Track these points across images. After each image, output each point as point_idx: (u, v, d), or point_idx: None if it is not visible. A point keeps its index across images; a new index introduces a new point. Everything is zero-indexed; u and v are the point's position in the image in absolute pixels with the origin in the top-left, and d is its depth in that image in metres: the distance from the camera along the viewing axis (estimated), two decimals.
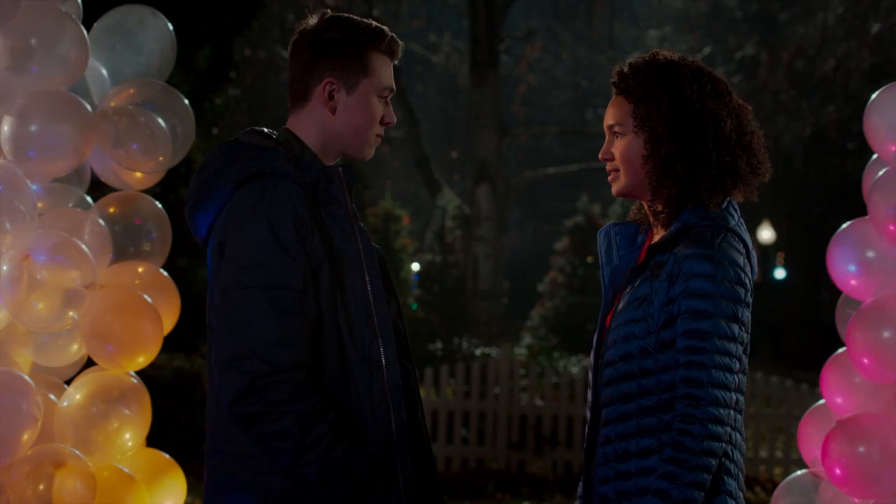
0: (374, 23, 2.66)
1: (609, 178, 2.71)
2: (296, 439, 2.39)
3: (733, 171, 2.60)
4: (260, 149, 2.57)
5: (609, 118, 2.69)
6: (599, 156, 2.71)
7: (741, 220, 2.64)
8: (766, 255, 27.19)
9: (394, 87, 2.69)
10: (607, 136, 2.70)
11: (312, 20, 2.65)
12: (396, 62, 2.72)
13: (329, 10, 2.68)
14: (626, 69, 2.68)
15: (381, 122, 2.69)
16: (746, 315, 2.54)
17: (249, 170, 2.52)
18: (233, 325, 2.43)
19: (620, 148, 2.65)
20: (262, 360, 2.39)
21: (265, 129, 2.67)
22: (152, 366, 9.37)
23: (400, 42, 2.70)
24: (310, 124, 2.64)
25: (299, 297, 2.44)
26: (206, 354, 2.67)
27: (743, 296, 2.51)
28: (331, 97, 2.61)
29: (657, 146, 2.59)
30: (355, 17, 2.67)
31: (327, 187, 2.56)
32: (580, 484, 2.75)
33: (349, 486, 2.44)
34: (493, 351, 12.45)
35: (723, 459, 2.50)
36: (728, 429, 2.47)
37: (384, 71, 2.66)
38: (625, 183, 2.67)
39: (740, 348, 2.52)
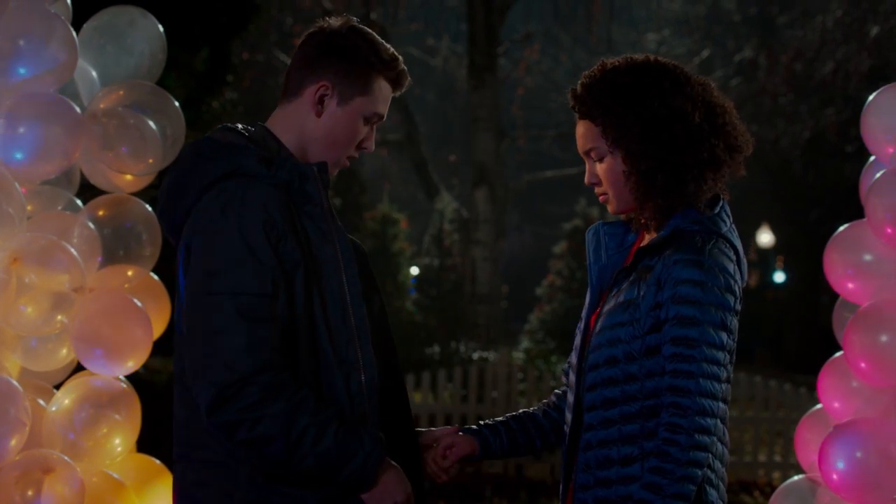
0: (391, 49, 2.63)
1: (601, 200, 2.67)
2: (280, 440, 2.34)
3: (713, 161, 2.53)
4: (231, 147, 2.51)
5: (582, 144, 2.63)
6: (585, 181, 2.66)
7: (733, 226, 2.59)
8: (766, 258, 27.16)
9: (384, 116, 2.65)
10: (587, 162, 2.65)
11: (335, 22, 2.61)
12: (398, 94, 2.68)
13: (356, 19, 2.65)
14: (579, 90, 2.61)
15: (359, 146, 2.64)
16: (734, 323, 2.49)
17: (220, 170, 2.46)
18: (200, 332, 2.38)
19: (602, 171, 2.60)
20: (225, 369, 2.34)
21: (239, 126, 2.61)
22: (148, 369, 9.38)
23: (408, 77, 2.67)
24: (292, 122, 2.59)
25: (269, 302, 2.39)
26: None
27: (732, 303, 2.46)
28: (320, 101, 2.57)
29: (635, 161, 2.53)
30: (376, 36, 2.63)
31: (302, 186, 2.49)
32: (560, 487, 2.72)
33: (354, 475, 2.38)
34: (491, 355, 12.42)
35: (704, 469, 2.46)
36: (714, 439, 2.43)
37: (382, 97, 2.62)
38: (617, 203, 2.62)
39: (728, 357, 2.48)
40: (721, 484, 2.54)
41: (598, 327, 2.58)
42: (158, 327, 3.54)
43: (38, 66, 3.15)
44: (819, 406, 3.38)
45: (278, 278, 2.41)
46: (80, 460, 3.26)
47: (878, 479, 3.02)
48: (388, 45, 2.64)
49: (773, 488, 8.38)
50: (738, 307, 2.51)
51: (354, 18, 2.65)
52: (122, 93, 3.37)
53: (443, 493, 8.64)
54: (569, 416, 2.66)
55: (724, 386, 2.46)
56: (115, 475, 3.37)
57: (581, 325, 2.69)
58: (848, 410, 3.22)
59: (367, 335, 2.53)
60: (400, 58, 2.64)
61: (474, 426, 2.80)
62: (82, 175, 3.53)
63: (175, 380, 2.53)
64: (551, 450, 2.97)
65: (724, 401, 2.48)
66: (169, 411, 2.61)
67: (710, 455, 2.46)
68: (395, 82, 2.64)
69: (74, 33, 3.23)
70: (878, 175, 3.16)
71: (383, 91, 2.62)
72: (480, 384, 10.05)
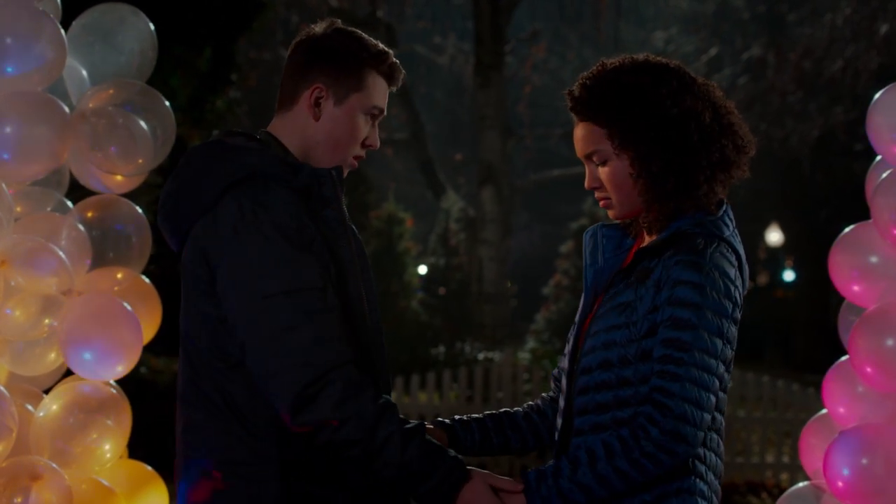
0: (381, 44, 2.59)
1: (602, 204, 2.56)
2: (362, 445, 2.30)
3: (724, 162, 2.45)
4: (245, 150, 2.46)
5: (582, 147, 2.52)
6: (586, 185, 2.55)
7: (736, 230, 2.49)
8: (775, 257, 27.08)
9: (384, 109, 2.60)
10: (587, 166, 2.54)
11: (319, 27, 2.58)
12: (395, 89, 2.63)
13: (339, 21, 2.60)
14: (578, 92, 2.51)
15: (363, 144, 2.59)
16: (732, 331, 2.39)
17: (240, 172, 2.40)
18: (266, 336, 2.32)
19: (606, 174, 2.49)
20: (304, 367, 2.29)
21: (242, 132, 2.55)
22: (151, 370, 9.35)
23: (402, 70, 2.62)
24: (292, 130, 2.55)
25: (322, 295, 2.35)
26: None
27: (731, 310, 2.37)
28: (317, 104, 2.52)
29: (645, 164, 2.43)
30: (362, 34, 2.59)
31: (320, 190, 2.45)
32: None
33: (433, 490, 2.32)
34: (497, 355, 12.38)
35: (696, 480, 2.38)
36: (689, 449, 2.31)
37: (378, 91, 2.57)
38: (620, 208, 2.52)
39: (722, 366, 2.37)
40: (714, 497, 2.45)
41: (591, 330, 2.49)
42: (149, 330, 3.49)
43: (25, 65, 3.09)
44: (824, 411, 3.32)
45: (324, 271, 2.38)
46: (69, 467, 3.21)
47: (883, 486, 2.97)
48: (377, 41, 2.60)
49: (781, 490, 8.34)
50: (738, 315, 2.41)
51: (338, 20, 2.61)
52: (111, 91, 3.31)
53: None
54: (559, 421, 2.57)
55: (714, 396, 2.35)
56: (105, 482, 3.32)
57: (574, 328, 2.62)
58: (853, 416, 3.16)
59: (381, 339, 2.51)
60: (390, 52, 2.59)
61: (447, 419, 2.72)
62: (72, 175, 3.48)
63: (187, 382, 2.47)
64: (528, 453, 2.89)
65: (720, 411, 2.40)
66: (172, 411, 2.54)
67: (700, 464, 2.38)
68: (388, 76, 2.59)
69: (63, 31, 3.18)
70: (884, 175, 3.10)
71: (378, 85, 2.57)
72: (486, 385, 10.01)
